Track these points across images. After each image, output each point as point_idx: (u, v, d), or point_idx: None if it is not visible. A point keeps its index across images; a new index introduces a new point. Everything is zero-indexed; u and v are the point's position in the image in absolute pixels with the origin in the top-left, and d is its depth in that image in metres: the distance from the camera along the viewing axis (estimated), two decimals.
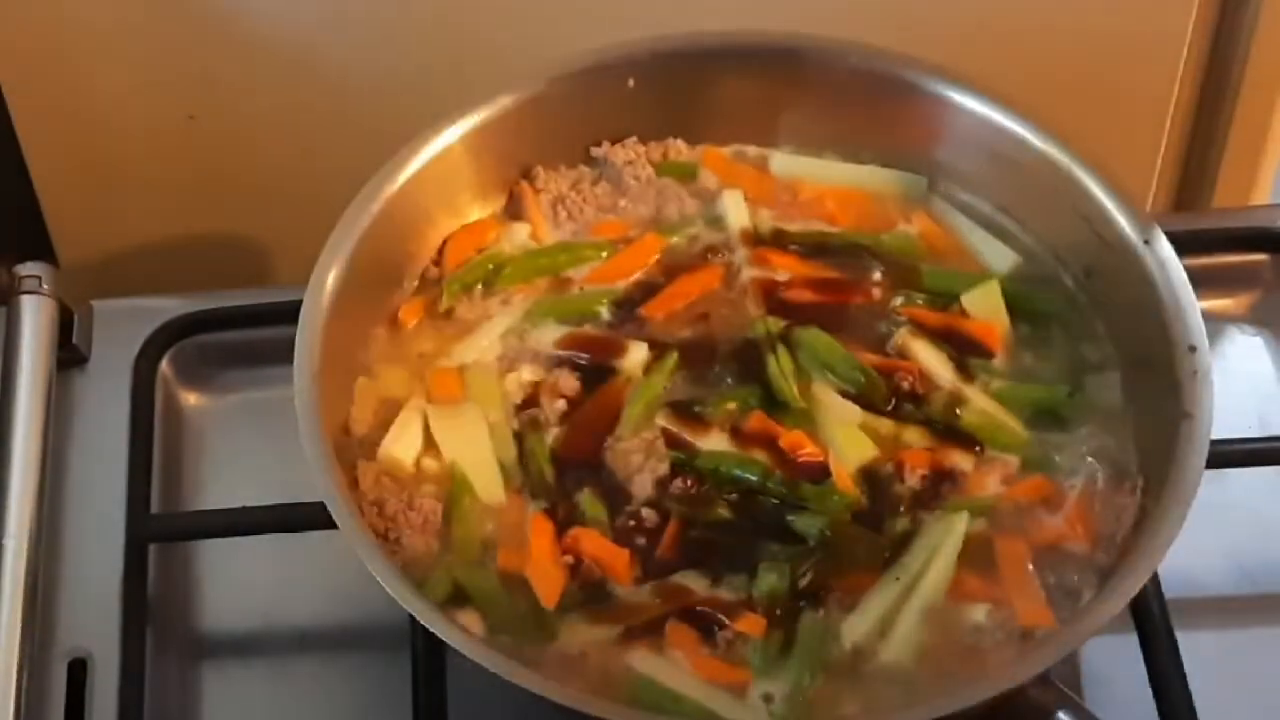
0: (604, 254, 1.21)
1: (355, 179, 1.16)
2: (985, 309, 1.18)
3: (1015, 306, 1.18)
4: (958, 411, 1.13)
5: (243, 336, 1.29)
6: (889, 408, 1.14)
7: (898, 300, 1.19)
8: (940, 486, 1.10)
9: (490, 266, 1.20)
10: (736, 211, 1.23)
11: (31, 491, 1.19)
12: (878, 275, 1.20)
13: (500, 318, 1.18)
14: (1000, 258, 1.21)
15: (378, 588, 0.99)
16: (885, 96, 1.23)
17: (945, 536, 1.07)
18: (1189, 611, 1.14)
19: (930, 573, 1.06)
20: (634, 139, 1.25)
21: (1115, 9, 1.40)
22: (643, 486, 1.10)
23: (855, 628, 1.04)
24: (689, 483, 1.10)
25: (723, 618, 1.05)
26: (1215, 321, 1.23)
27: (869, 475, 1.11)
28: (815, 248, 1.22)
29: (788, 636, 1.04)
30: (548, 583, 1.06)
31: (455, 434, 1.12)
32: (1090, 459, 1.11)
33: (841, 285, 1.20)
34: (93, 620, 1.17)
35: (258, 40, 1.39)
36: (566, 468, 1.11)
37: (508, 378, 1.15)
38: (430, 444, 1.12)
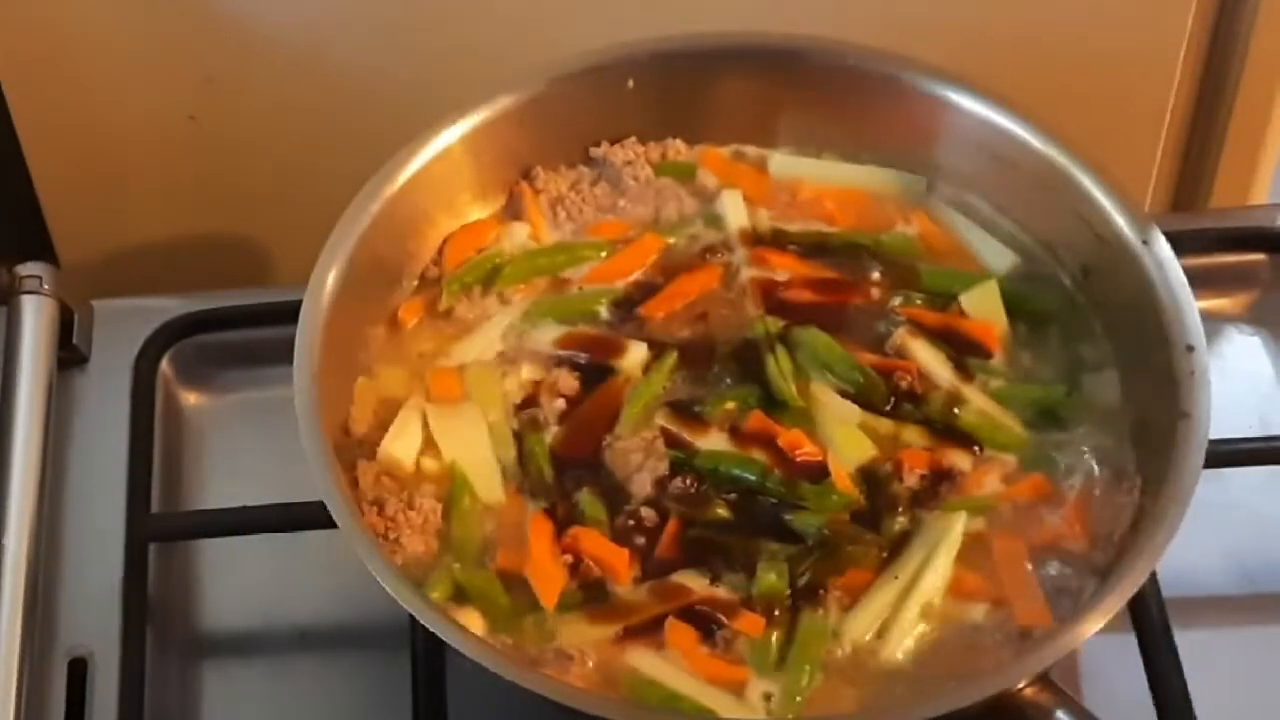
0: (603, 254, 1.22)
1: (355, 179, 1.16)
2: (984, 309, 1.18)
3: (1013, 306, 1.18)
4: (956, 411, 1.13)
5: (243, 336, 1.29)
6: (888, 407, 1.14)
7: (896, 300, 1.19)
8: (939, 486, 1.10)
9: (490, 266, 1.20)
10: (735, 211, 1.23)
11: (31, 491, 1.19)
12: (876, 275, 1.20)
13: (500, 317, 1.18)
14: (999, 258, 1.21)
15: (378, 588, 0.99)
16: (884, 97, 1.23)
17: (944, 536, 1.07)
18: (1188, 611, 1.14)
19: (929, 572, 1.06)
20: (633, 139, 1.25)
21: (1114, 10, 1.40)
22: (642, 486, 1.10)
23: (854, 627, 1.05)
24: (688, 482, 1.10)
25: (722, 617, 1.05)
26: (1213, 321, 1.23)
27: (868, 475, 1.11)
28: (814, 248, 1.22)
29: (787, 636, 1.04)
30: (547, 582, 1.06)
31: (455, 434, 1.12)
32: (1089, 459, 1.11)
33: (840, 285, 1.20)
34: (93, 620, 1.17)
35: (258, 41, 1.39)
36: (566, 467, 1.11)
37: (507, 377, 1.15)
38: (430, 444, 1.12)
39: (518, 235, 1.22)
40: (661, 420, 1.13)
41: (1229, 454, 1.16)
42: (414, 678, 1.10)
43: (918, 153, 1.23)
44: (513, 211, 1.24)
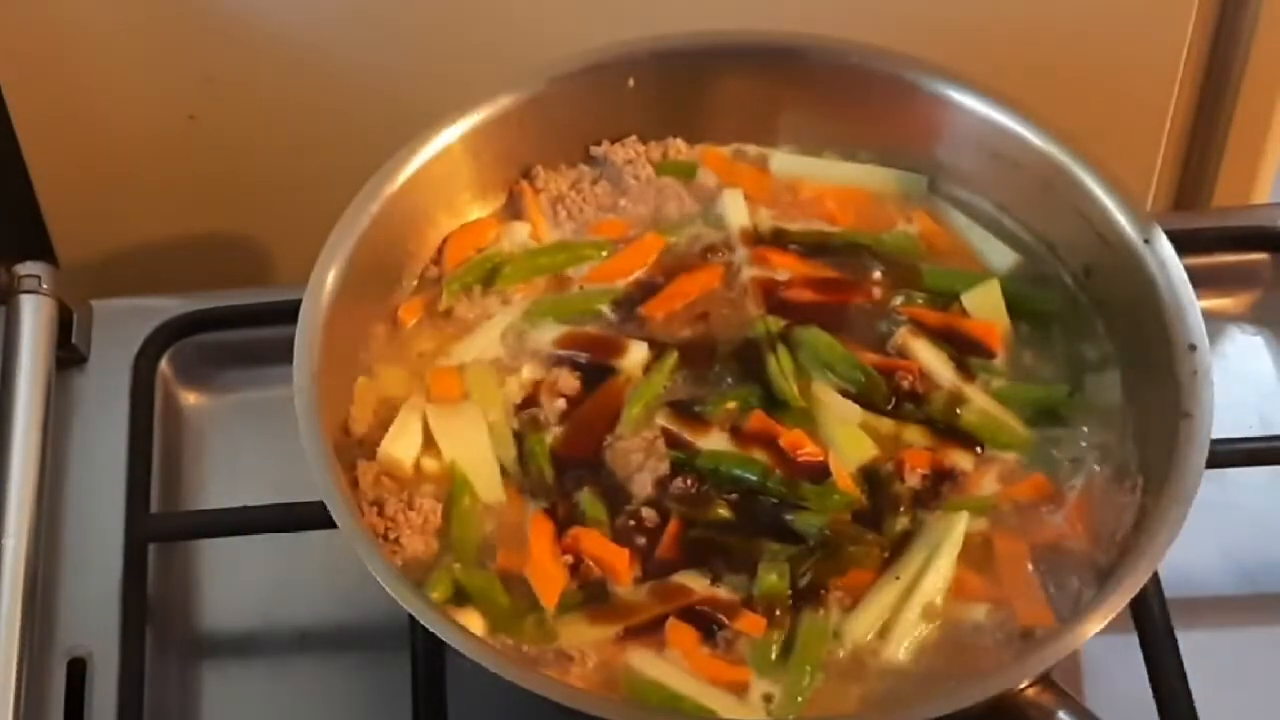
0: (604, 253, 1.21)
1: (355, 179, 1.15)
2: (985, 308, 1.18)
3: (1015, 306, 1.18)
4: (958, 411, 1.13)
5: (242, 336, 1.29)
6: (889, 407, 1.14)
7: (898, 299, 1.19)
8: (940, 486, 1.10)
9: (490, 266, 1.20)
10: (736, 211, 1.23)
11: (31, 491, 1.19)
12: (878, 274, 1.20)
13: (500, 317, 1.18)
14: (1000, 257, 1.21)
15: (378, 588, 0.99)
16: (885, 96, 1.23)
17: (945, 536, 1.07)
18: (1189, 611, 1.14)
19: (930, 572, 1.06)
20: (634, 138, 1.25)
21: (1116, 9, 1.40)
22: (643, 486, 1.10)
23: (855, 627, 1.04)
24: (689, 482, 1.10)
25: (722, 617, 1.05)
26: (1215, 321, 1.23)
27: (869, 475, 1.11)
28: (815, 247, 1.22)
29: (788, 636, 1.04)
30: (548, 582, 1.06)
31: (455, 433, 1.12)
32: (1090, 458, 1.11)
33: (841, 285, 1.20)
34: (92, 620, 1.17)
35: (258, 40, 1.39)
36: (566, 467, 1.11)
37: (507, 377, 1.15)
38: (430, 443, 1.12)
39: (518, 235, 1.22)
40: (662, 420, 1.13)
41: (1231, 454, 1.16)
42: (414, 678, 1.10)
43: (919, 152, 1.23)
44: (513, 211, 1.23)
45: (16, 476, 1.19)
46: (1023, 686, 0.99)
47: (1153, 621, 1.11)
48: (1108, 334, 1.17)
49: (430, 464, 1.11)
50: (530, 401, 1.14)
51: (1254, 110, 1.50)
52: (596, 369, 1.16)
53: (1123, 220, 1.15)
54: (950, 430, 1.13)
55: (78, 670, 1.16)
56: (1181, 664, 1.10)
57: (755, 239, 1.22)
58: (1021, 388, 1.15)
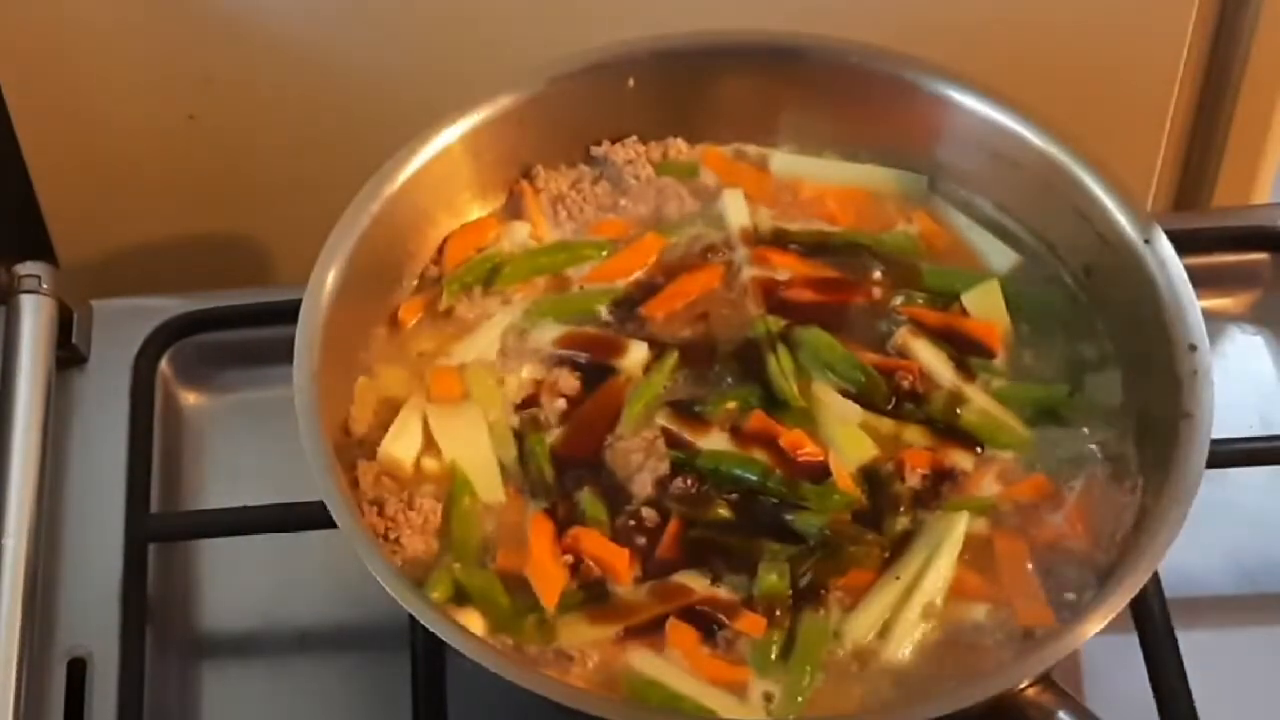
0: (604, 253, 1.21)
1: (355, 179, 1.15)
2: (985, 308, 1.18)
3: (1015, 306, 1.18)
4: (958, 411, 1.13)
5: (242, 336, 1.29)
6: (889, 407, 1.14)
7: (898, 299, 1.19)
8: (940, 486, 1.10)
9: (490, 266, 1.20)
10: (737, 211, 1.23)
11: (31, 491, 1.19)
12: (878, 274, 1.20)
13: (500, 317, 1.18)
14: (1000, 257, 1.21)
15: (378, 588, 0.99)
16: (886, 96, 1.23)
17: (945, 536, 1.07)
18: (1189, 611, 1.14)
19: (930, 572, 1.06)
20: (634, 138, 1.25)
21: (1116, 9, 1.40)
22: (643, 486, 1.10)
23: (855, 627, 1.04)
24: (689, 482, 1.10)
25: (723, 617, 1.05)
26: (1215, 320, 1.23)
27: (869, 474, 1.11)
28: (815, 247, 1.22)
29: (788, 636, 1.04)
30: (548, 582, 1.06)
31: (455, 433, 1.12)
32: (1091, 459, 1.11)
33: (842, 284, 1.20)
34: (92, 620, 1.17)
35: (258, 40, 1.39)
36: (566, 467, 1.11)
37: (507, 377, 1.15)
38: (430, 443, 1.12)
39: (518, 234, 1.22)
40: (662, 420, 1.13)
41: (1231, 454, 1.16)
42: (414, 678, 1.10)
43: (919, 152, 1.23)
44: (513, 210, 1.23)
45: (16, 476, 1.19)
46: (1023, 686, 0.99)
47: (1153, 621, 1.11)
48: (1108, 334, 1.17)
49: (430, 464, 1.11)
50: (530, 401, 1.14)
51: (1254, 110, 1.50)
52: (597, 369, 1.16)
53: (1123, 220, 1.14)
54: (950, 430, 1.13)
55: (78, 670, 1.15)
56: (1181, 664, 1.10)
57: (755, 239, 1.22)
58: (1021, 388, 1.15)
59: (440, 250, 1.21)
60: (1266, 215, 1.38)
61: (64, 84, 1.40)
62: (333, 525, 1.02)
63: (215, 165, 1.46)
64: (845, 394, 1.14)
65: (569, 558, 1.07)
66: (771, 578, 1.05)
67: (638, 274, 1.21)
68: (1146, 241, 1.13)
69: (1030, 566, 1.07)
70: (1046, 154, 1.18)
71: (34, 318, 1.26)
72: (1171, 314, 1.10)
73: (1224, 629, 1.18)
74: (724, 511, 1.09)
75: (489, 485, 1.10)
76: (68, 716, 1.14)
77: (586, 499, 1.09)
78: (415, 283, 1.20)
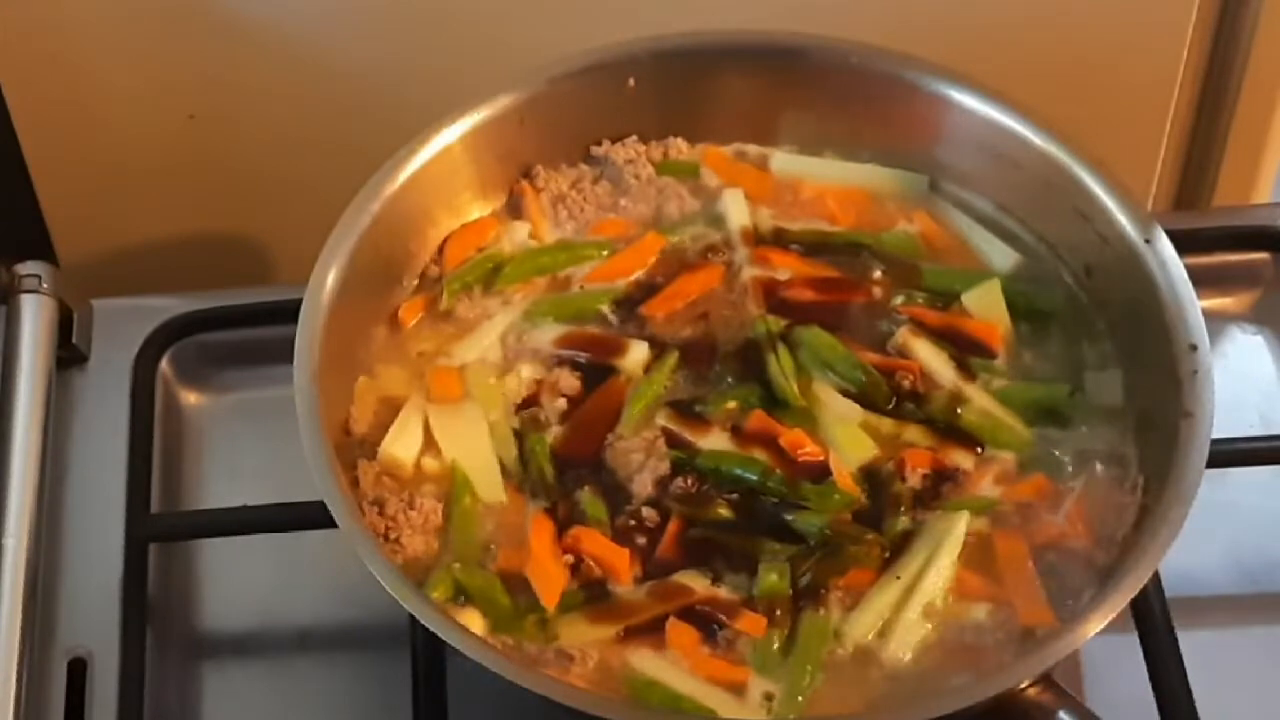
0: (604, 253, 1.21)
1: (355, 178, 1.15)
2: (986, 308, 1.18)
3: (1016, 305, 1.18)
4: (958, 410, 1.13)
5: (243, 336, 1.29)
6: (890, 407, 1.14)
7: (898, 299, 1.19)
8: (941, 486, 1.10)
9: (490, 265, 1.20)
10: (737, 210, 1.23)
11: (31, 491, 1.19)
12: (878, 274, 1.20)
13: (500, 317, 1.18)
14: (1001, 257, 1.21)
15: (378, 588, 0.99)
16: (886, 96, 1.23)
17: (946, 536, 1.07)
18: (1189, 610, 1.14)
19: (931, 572, 1.06)
20: (634, 138, 1.25)
21: (1116, 9, 1.40)
22: (643, 486, 1.10)
23: (856, 627, 1.04)
24: (689, 482, 1.10)
25: (723, 617, 1.05)
26: (1216, 320, 1.23)
27: (869, 474, 1.11)
28: (816, 247, 1.22)
29: (788, 636, 1.04)
30: (548, 582, 1.06)
31: (455, 433, 1.12)
32: (1091, 458, 1.11)
33: (842, 284, 1.20)
34: (93, 620, 1.17)
35: (258, 40, 1.39)
36: (567, 467, 1.11)
37: (508, 377, 1.15)
38: (430, 443, 1.12)
39: (518, 234, 1.22)
40: (663, 420, 1.13)
41: (1231, 453, 1.16)
42: (414, 678, 1.10)
43: (920, 151, 1.23)
44: (513, 210, 1.23)
45: (16, 476, 1.19)
46: (1023, 686, 0.98)
47: (1153, 621, 1.11)
48: (1108, 334, 1.16)
49: (431, 464, 1.11)
50: (531, 401, 1.14)
51: (1254, 110, 1.50)
52: (597, 369, 1.16)
53: (1123, 220, 1.14)
54: (951, 430, 1.13)
55: (78, 670, 1.15)
56: (1182, 664, 1.10)
57: (756, 239, 1.22)
58: (1022, 387, 1.15)
59: (440, 250, 1.21)
60: (1266, 215, 1.38)
61: (64, 84, 1.40)
62: (333, 525, 1.01)
63: (215, 165, 1.46)
64: (846, 394, 1.14)
65: (569, 557, 1.07)
66: (772, 577, 1.05)
67: (638, 274, 1.21)
68: (1147, 241, 1.13)
69: (1030, 566, 1.07)
70: (1047, 154, 1.18)
71: (34, 317, 1.26)
72: (1172, 314, 1.10)
73: (1224, 629, 1.18)
74: (724, 511, 1.09)
75: (489, 485, 1.10)
76: (68, 716, 1.14)
77: (587, 499, 1.09)
78: (415, 282, 1.20)
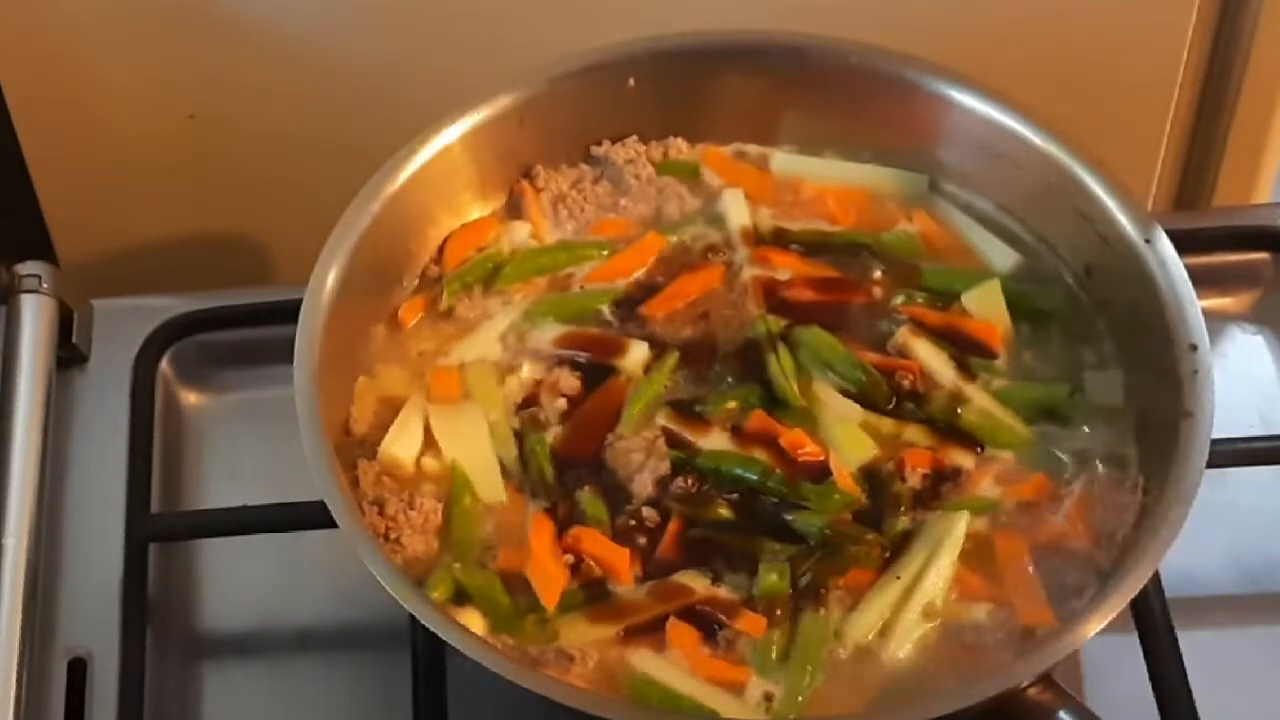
0: (604, 253, 1.21)
1: (355, 178, 1.15)
2: (986, 308, 1.18)
3: (1016, 305, 1.18)
4: (958, 410, 1.13)
5: (243, 336, 1.29)
6: (890, 407, 1.14)
7: (898, 299, 1.19)
8: (941, 485, 1.10)
9: (490, 265, 1.20)
10: (737, 210, 1.23)
11: (31, 490, 1.18)
12: (878, 274, 1.20)
13: (500, 316, 1.18)
14: (1001, 257, 1.21)
15: (378, 587, 0.99)
16: (886, 96, 1.23)
17: (946, 536, 1.07)
18: (1190, 610, 1.14)
19: (931, 572, 1.06)
20: (634, 138, 1.25)
21: (1116, 9, 1.40)
22: (643, 485, 1.10)
23: (856, 627, 1.04)
24: (689, 482, 1.10)
25: (723, 617, 1.05)
26: (1216, 320, 1.23)
27: (870, 474, 1.11)
28: (816, 246, 1.22)
29: (788, 636, 1.04)
30: (548, 582, 1.06)
31: (455, 433, 1.12)
32: (1091, 458, 1.11)
33: (842, 284, 1.20)
34: (93, 620, 1.17)
35: (258, 40, 1.39)
36: (567, 467, 1.11)
37: (508, 377, 1.15)
38: (431, 443, 1.12)
39: (518, 234, 1.22)
40: (663, 420, 1.13)
41: (1232, 453, 1.16)
42: (414, 678, 1.10)
43: (920, 151, 1.23)
44: (513, 210, 1.23)
45: (16, 476, 1.19)
46: (1023, 686, 0.98)
47: (1153, 621, 1.11)
48: (1108, 334, 1.16)
49: (431, 463, 1.11)
50: (531, 401, 1.14)
51: (1254, 110, 1.50)
52: (597, 368, 1.16)
53: (1123, 220, 1.14)
54: (951, 430, 1.13)
55: (78, 670, 1.15)
56: (1182, 664, 1.09)
57: (756, 238, 1.22)
58: (1022, 387, 1.15)
59: (440, 250, 1.21)
60: (1266, 215, 1.38)
61: (64, 84, 1.40)
62: (333, 525, 1.01)
63: (215, 165, 1.46)
64: (846, 394, 1.14)
65: (569, 557, 1.07)
66: (772, 577, 1.05)
67: (638, 274, 1.21)
68: (1147, 241, 1.13)
69: (1030, 566, 1.07)
70: (1047, 154, 1.18)
71: (34, 317, 1.26)
72: (1172, 314, 1.10)
73: (1224, 629, 1.18)
74: (724, 511, 1.09)
75: (489, 485, 1.10)
76: (68, 716, 1.14)
77: (587, 499, 1.09)
78: (415, 282, 1.20)
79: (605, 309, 1.19)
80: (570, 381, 1.15)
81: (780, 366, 1.14)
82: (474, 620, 1.04)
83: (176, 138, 1.44)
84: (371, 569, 1.00)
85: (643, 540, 1.08)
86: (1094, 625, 0.99)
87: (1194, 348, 1.08)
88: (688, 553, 1.07)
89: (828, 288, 1.19)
